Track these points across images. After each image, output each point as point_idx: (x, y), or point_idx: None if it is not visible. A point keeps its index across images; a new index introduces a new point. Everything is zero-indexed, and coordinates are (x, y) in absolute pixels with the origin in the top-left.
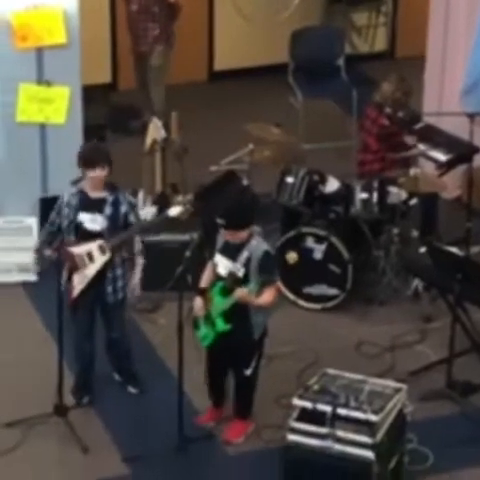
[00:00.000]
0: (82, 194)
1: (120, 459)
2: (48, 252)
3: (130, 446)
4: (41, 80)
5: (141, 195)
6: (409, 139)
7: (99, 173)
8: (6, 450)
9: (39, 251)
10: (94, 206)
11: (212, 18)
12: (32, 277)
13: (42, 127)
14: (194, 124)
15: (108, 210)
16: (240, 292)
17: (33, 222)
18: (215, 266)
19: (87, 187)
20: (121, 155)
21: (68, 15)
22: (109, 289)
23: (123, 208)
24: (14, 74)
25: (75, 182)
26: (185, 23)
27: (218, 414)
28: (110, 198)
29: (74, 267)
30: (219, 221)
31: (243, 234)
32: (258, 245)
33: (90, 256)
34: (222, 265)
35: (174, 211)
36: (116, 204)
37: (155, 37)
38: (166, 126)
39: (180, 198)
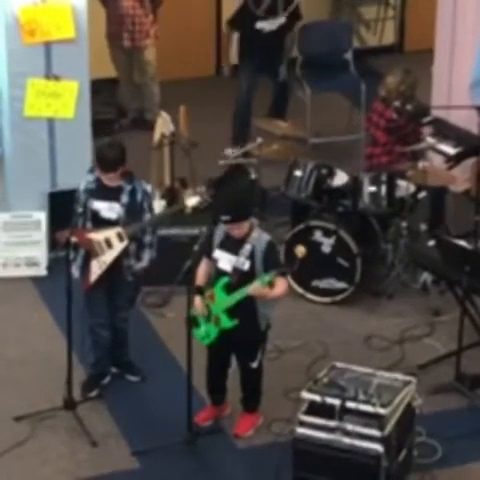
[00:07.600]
0: (99, 182)
1: (129, 453)
2: (74, 238)
3: (139, 440)
4: (49, 75)
5: (149, 189)
6: (426, 130)
7: (113, 175)
8: (16, 444)
9: (59, 234)
10: (111, 194)
11: (220, 13)
12: (41, 271)
13: (50, 122)
14: (202, 118)
15: (125, 199)
16: (254, 288)
17: (42, 217)
18: (216, 262)
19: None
20: (130, 149)
21: (76, 9)
22: (128, 277)
23: (139, 196)
24: (22, 69)
25: (92, 170)
26: (193, 18)
27: (217, 412)
28: (127, 187)
29: (92, 253)
30: (223, 218)
31: (246, 225)
32: (259, 236)
33: (108, 242)
34: (224, 260)
35: (192, 201)
36: (133, 193)
37: (148, 31)
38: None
39: (198, 188)
